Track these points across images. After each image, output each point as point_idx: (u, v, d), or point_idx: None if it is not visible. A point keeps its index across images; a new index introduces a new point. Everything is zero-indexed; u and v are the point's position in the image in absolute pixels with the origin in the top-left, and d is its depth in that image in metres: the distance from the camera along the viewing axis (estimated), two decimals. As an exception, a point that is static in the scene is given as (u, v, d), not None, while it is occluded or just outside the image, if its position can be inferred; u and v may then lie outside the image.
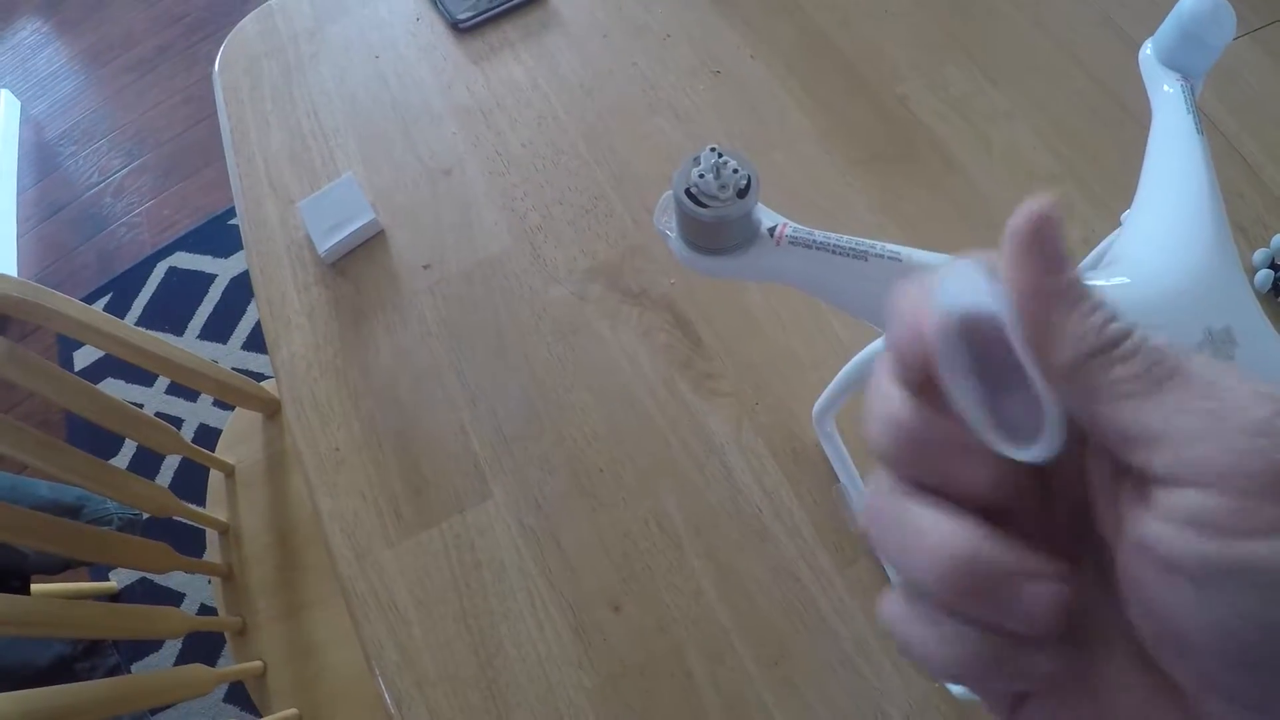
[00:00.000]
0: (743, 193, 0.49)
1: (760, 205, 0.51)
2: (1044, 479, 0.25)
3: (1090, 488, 0.24)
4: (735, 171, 0.49)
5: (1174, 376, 0.21)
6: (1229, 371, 0.21)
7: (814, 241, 0.51)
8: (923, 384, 0.24)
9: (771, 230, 0.51)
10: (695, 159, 0.49)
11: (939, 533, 0.23)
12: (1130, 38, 0.89)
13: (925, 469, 0.24)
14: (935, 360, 0.23)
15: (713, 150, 0.49)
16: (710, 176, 0.48)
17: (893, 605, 0.24)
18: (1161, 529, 0.20)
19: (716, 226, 0.49)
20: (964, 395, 0.23)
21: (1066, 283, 0.22)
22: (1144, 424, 0.21)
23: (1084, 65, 0.89)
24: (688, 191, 0.49)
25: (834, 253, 0.50)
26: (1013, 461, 0.22)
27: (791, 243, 0.51)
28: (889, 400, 0.25)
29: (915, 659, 0.24)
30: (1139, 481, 0.21)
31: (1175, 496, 0.20)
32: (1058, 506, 0.25)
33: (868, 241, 0.50)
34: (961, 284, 0.23)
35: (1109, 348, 0.21)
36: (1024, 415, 0.22)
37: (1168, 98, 0.56)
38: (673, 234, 0.53)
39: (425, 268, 0.86)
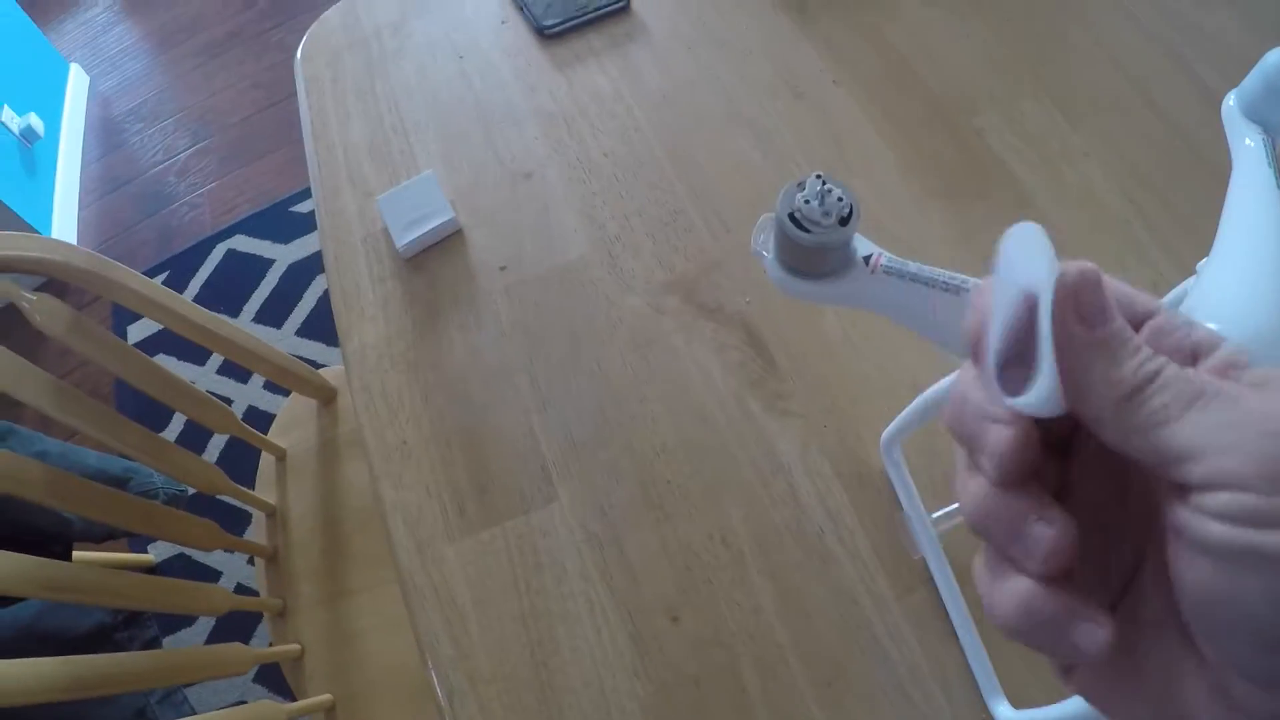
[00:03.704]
0: (844, 220, 0.50)
1: (857, 234, 0.52)
2: (1123, 481, 0.28)
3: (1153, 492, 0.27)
4: (839, 200, 0.49)
5: (1199, 398, 0.24)
6: (1266, 381, 0.24)
7: (908, 273, 0.51)
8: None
9: (867, 259, 0.52)
10: (800, 184, 0.50)
11: (1010, 588, 0.26)
12: (1206, 85, 0.88)
13: (1001, 537, 0.27)
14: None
15: (818, 177, 0.50)
16: (815, 203, 0.49)
17: (979, 570, 0.28)
18: (1193, 518, 0.23)
19: (816, 252, 0.50)
20: (991, 344, 0.26)
21: (1103, 336, 0.25)
22: (1176, 446, 0.23)
23: (1159, 110, 0.88)
24: (791, 215, 0.50)
25: (928, 285, 0.51)
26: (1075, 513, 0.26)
27: (886, 273, 0.51)
28: (969, 487, 0.28)
29: (991, 617, 0.27)
30: (1180, 489, 0.24)
31: (1207, 496, 0.22)
32: (1132, 503, 0.28)
33: (961, 275, 0.51)
34: (1020, 254, 0.27)
35: (1141, 389, 0.24)
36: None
37: (1249, 151, 0.56)
38: (769, 255, 0.54)
39: (501, 269, 0.87)
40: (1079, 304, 0.25)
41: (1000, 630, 0.26)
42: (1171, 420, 0.24)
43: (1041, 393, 0.25)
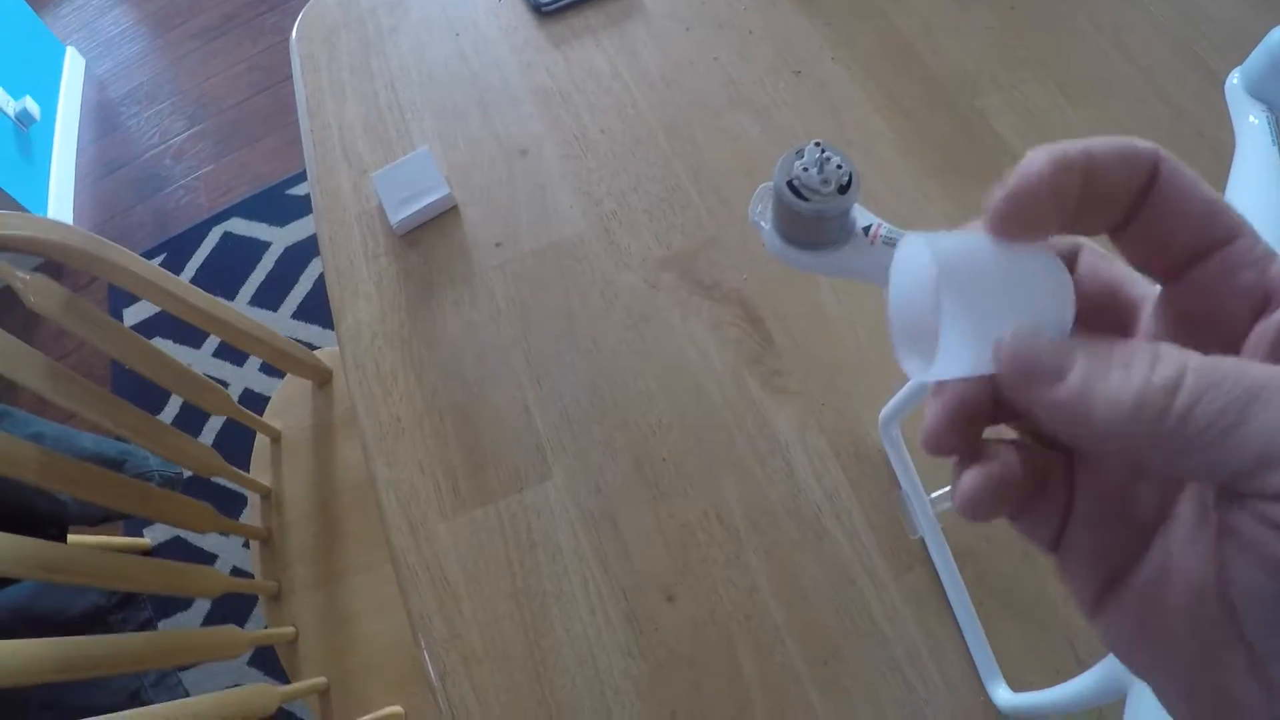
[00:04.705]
0: (843, 189, 0.49)
1: (856, 205, 0.51)
2: None
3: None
4: (838, 167, 0.48)
5: (1259, 393, 0.20)
6: None
7: (908, 243, 0.50)
8: None
9: (866, 229, 0.51)
10: (799, 151, 0.49)
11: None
12: (1210, 69, 0.88)
13: None
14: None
15: (817, 145, 0.49)
16: (813, 170, 0.48)
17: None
18: (1264, 534, 0.20)
19: (815, 221, 0.49)
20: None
21: (1072, 389, 0.22)
22: (1248, 457, 0.19)
23: (1162, 92, 0.88)
24: (789, 184, 0.49)
25: (928, 256, 0.50)
26: None
27: (886, 243, 0.50)
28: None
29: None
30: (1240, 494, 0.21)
31: None
32: None
33: (962, 248, 0.50)
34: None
35: (1167, 407, 0.20)
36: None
37: (1253, 128, 0.56)
38: (766, 225, 0.53)
39: (497, 245, 0.86)
40: (1025, 385, 0.23)
41: None
42: (1233, 428, 0.19)
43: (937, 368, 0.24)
